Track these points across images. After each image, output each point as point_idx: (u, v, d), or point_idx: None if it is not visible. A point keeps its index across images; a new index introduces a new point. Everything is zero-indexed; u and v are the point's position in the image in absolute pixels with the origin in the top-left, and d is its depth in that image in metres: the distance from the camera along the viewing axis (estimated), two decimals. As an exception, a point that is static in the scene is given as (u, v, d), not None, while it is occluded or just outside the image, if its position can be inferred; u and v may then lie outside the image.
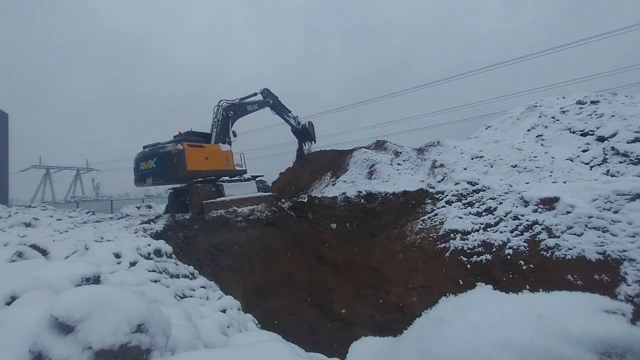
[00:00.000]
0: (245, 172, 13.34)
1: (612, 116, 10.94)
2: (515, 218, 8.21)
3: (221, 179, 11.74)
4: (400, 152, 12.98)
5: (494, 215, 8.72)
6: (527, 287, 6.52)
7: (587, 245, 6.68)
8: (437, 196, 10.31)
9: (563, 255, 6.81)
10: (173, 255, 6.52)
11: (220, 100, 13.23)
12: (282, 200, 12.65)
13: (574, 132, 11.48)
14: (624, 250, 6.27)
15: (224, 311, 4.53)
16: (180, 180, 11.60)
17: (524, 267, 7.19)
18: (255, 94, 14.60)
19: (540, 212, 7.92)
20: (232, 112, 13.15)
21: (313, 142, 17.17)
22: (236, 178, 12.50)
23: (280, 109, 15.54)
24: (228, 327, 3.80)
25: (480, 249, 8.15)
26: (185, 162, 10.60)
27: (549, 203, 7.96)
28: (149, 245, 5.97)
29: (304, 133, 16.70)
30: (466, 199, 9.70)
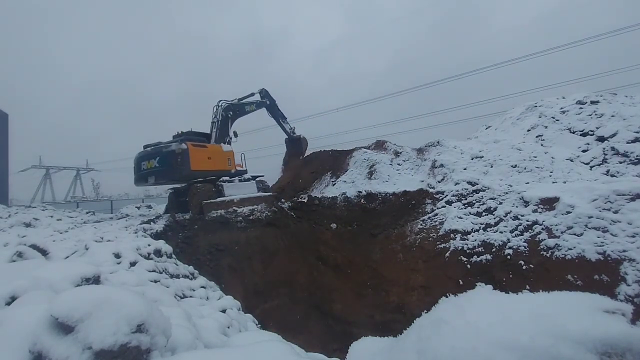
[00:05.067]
0: (245, 172, 13.31)
1: (612, 116, 10.94)
2: (515, 218, 8.21)
3: (221, 179, 11.75)
4: (400, 152, 12.98)
5: (494, 215, 8.72)
6: (527, 287, 6.52)
7: (587, 245, 6.68)
8: (437, 196, 10.31)
9: (563, 255, 6.81)
10: (173, 255, 6.52)
11: (220, 101, 13.19)
12: (282, 200, 12.65)
13: (574, 132, 11.49)
14: (624, 250, 6.27)
15: (224, 311, 4.54)
16: (183, 179, 11.56)
17: (524, 267, 7.19)
18: (252, 94, 14.62)
19: (540, 212, 7.92)
20: (231, 112, 13.16)
21: (301, 157, 16.59)
22: (236, 178, 12.49)
23: (276, 112, 15.50)
24: (228, 327, 3.80)
25: (480, 249, 8.15)
26: (189, 161, 10.56)
27: (549, 203, 7.96)
28: (149, 245, 5.97)
29: (296, 144, 16.49)
30: (466, 199, 9.70)
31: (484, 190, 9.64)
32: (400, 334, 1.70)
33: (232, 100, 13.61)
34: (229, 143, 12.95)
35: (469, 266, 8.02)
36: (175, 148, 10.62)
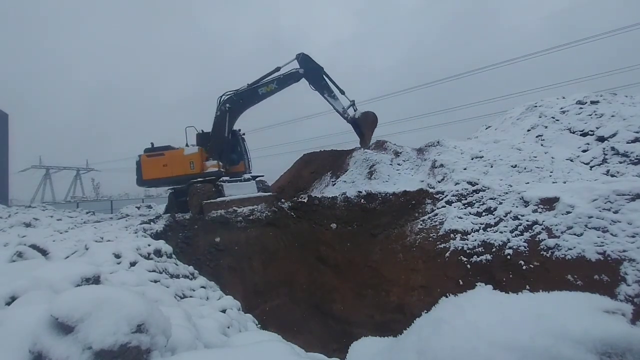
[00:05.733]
0: (221, 173, 11.86)
1: (612, 116, 10.94)
2: (515, 218, 8.21)
3: (221, 179, 11.70)
4: (400, 152, 12.97)
5: (494, 215, 8.72)
6: (527, 287, 6.51)
7: (587, 245, 6.68)
8: (437, 196, 10.30)
9: (563, 255, 6.81)
10: (173, 255, 6.52)
11: (223, 94, 11.84)
12: (282, 200, 12.65)
13: (574, 132, 11.48)
14: (624, 250, 6.27)
15: (224, 311, 4.54)
16: (143, 187, 14.18)
17: (524, 267, 7.19)
18: (278, 68, 11.56)
19: (540, 212, 7.92)
20: (228, 105, 11.69)
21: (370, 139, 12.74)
22: (236, 178, 12.37)
23: (319, 84, 11.50)
24: (228, 327, 3.81)
25: (480, 249, 8.15)
26: (141, 172, 11.85)
27: (549, 203, 7.96)
28: (149, 245, 5.97)
29: (359, 126, 12.13)
30: (466, 199, 9.70)
31: (484, 190, 9.63)
32: (400, 334, 1.70)
33: (238, 89, 11.70)
34: (230, 142, 12.36)
35: (469, 266, 8.02)
36: (136, 160, 12.05)
